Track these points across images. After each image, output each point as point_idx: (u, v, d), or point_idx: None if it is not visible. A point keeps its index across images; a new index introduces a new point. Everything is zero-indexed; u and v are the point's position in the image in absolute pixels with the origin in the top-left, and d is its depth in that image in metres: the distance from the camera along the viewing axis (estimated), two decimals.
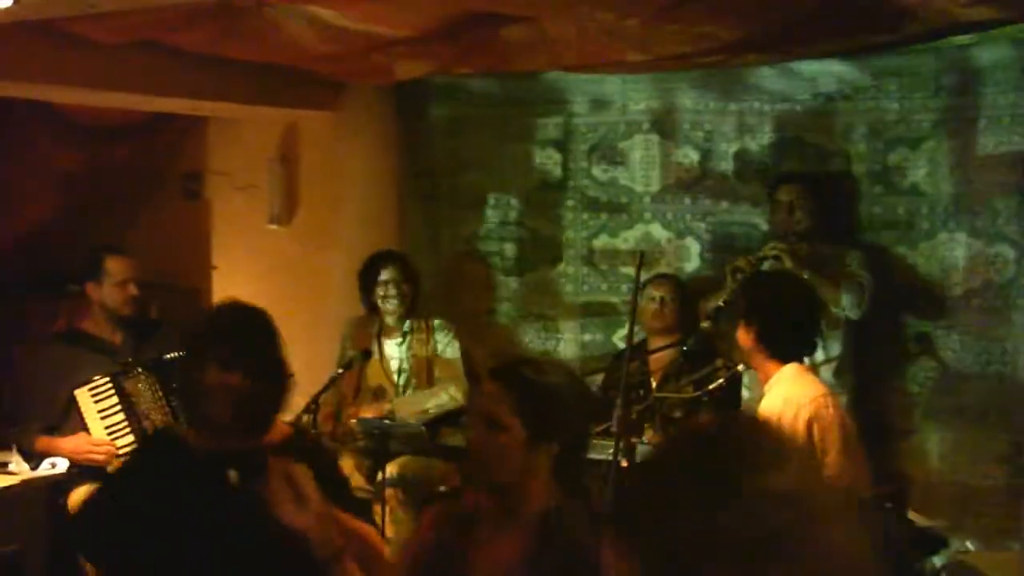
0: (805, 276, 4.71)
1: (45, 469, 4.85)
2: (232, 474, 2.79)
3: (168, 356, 4.67)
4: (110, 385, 4.80)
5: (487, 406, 2.39)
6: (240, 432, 2.85)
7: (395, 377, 5.47)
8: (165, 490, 2.86)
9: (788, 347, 3.73)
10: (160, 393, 4.78)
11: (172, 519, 2.83)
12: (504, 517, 2.41)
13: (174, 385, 4.39)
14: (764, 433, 1.36)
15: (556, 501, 2.39)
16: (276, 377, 2.89)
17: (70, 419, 4.81)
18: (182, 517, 2.81)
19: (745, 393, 4.85)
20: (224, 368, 2.77)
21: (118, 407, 4.79)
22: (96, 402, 4.78)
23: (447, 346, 5.53)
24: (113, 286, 4.98)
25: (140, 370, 4.81)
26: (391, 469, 5.05)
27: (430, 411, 5.33)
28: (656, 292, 5.29)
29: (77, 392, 4.78)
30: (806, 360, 3.83)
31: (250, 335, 2.87)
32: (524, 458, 2.36)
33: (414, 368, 5.47)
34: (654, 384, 5.12)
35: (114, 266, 5.00)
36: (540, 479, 2.38)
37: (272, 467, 2.39)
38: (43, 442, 4.80)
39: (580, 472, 2.49)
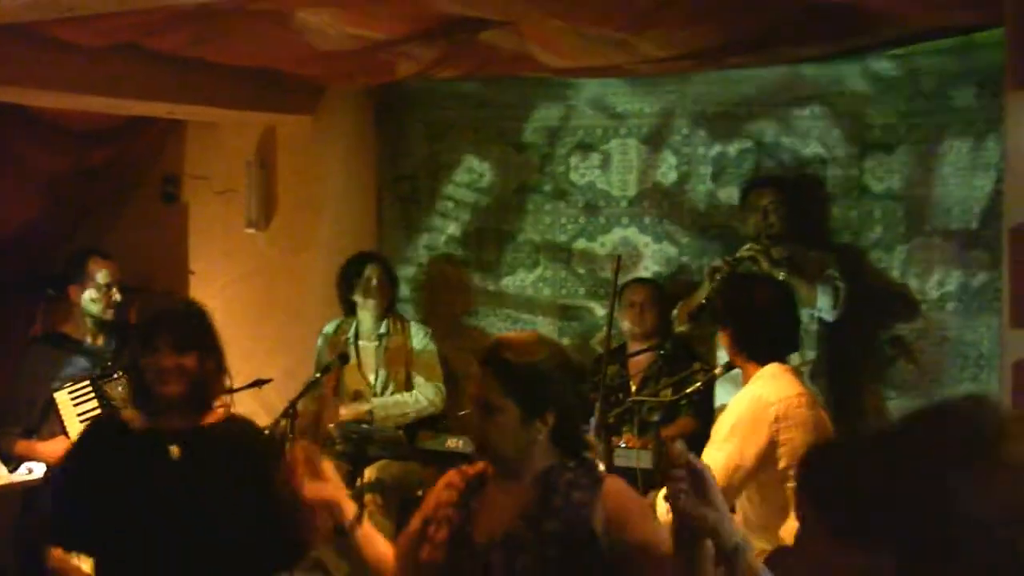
0: (781, 277, 4.75)
1: (22, 474, 4.82)
2: (173, 449, 3.10)
3: None
4: (90, 388, 4.78)
5: (479, 392, 2.53)
6: (187, 410, 3.14)
7: (372, 379, 5.48)
8: (112, 468, 3.11)
9: (765, 348, 3.75)
10: None
11: (120, 494, 3.06)
12: (507, 479, 2.56)
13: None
14: (1001, 409, 1.38)
15: (555, 463, 2.53)
16: (220, 362, 3.22)
17: (48, 421, 4.79)
18: (129, 491, 3.06)
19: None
20: (179, 352, 3.07)
21: (98, 410, 4.77)
22: (76, 405, 4.76)
23: (424, 349, 5.53)
24: (95, 290, 4.97)
25: (120, 373, 4.80)
26: (369, 473, 5.06)
27: (408, 415, 5.35)
28: (634, 297, 5.30)
29: (56, 395, 4.76)
30: (789, 360, 3.85)
31: (198, 324, 3.20)
32: (521, 433, 2.50)
33: (391, 371, 5.47)
34: (633, 388, 5.13)
35: (97, 270, 4.99)
36: (539, 445, 2.52)
37: (292, 448, 2.59)
38: (22, 446, 4.78)
39: (578, 434, 2.61)
